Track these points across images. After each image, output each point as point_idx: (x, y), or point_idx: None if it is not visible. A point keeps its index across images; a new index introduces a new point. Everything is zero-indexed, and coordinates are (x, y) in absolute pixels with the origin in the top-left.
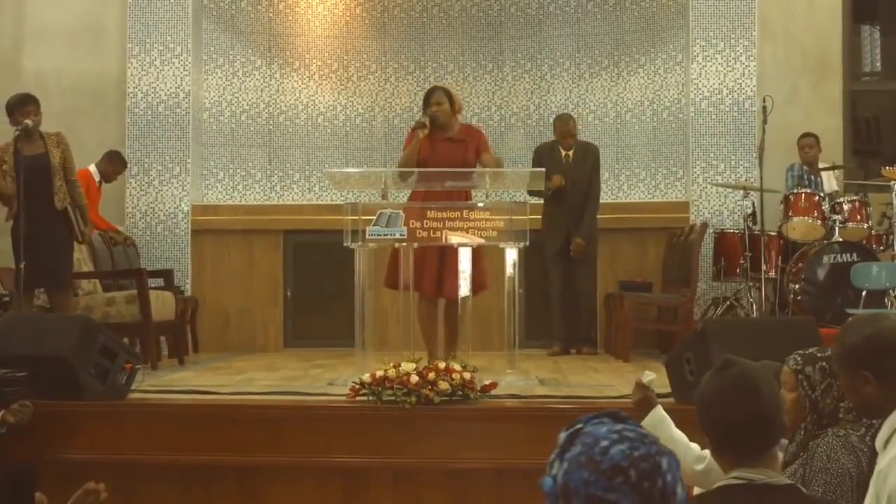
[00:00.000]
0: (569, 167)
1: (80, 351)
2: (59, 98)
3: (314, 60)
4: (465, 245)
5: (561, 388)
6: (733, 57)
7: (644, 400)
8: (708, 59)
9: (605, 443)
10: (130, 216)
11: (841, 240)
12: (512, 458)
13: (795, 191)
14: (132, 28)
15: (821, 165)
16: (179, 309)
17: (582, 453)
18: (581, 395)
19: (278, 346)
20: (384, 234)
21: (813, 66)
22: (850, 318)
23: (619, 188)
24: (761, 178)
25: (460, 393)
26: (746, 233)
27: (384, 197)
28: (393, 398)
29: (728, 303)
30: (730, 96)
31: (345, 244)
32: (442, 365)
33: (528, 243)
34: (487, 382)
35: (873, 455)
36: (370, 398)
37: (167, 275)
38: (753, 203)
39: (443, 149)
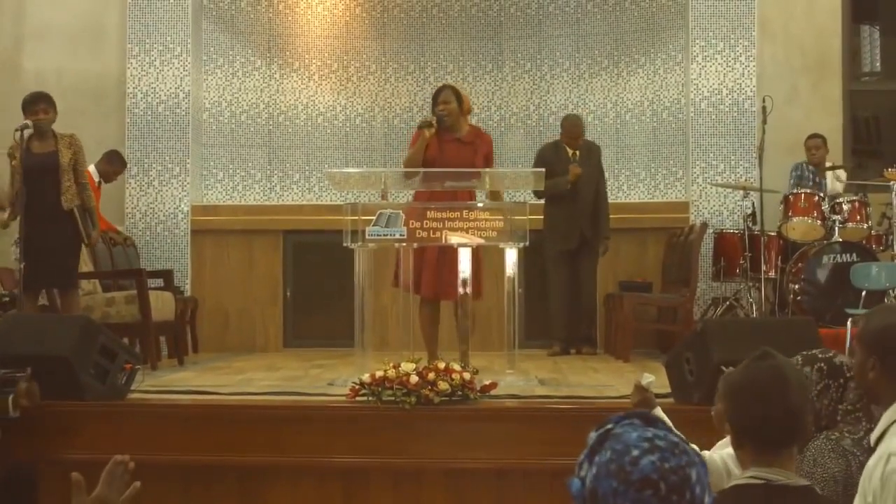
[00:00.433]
0: (576, 164)
1: (80, 351)
2: (59, 98)
3: (314, 61)
4: (464, 245)
5: (561, 388)
6: (733, 57)
7: (643, 401)
8: (708, 59)
9: (635, 452)
10: (130, 216)
11: (841, 240)
12: (512, 459)
13: (795, 191)
14: (132, 28)
15: (826, 166)
16: (179, 309)
17: (612, 461)
18: (581, 396)
19: (278, 346)
20: (384, 235)
21: (813, 66)
22: (884, 303)
23: (618, 188)
24: (761, 178)
25: (460, 393)
26: (746, 233)
27: (384, 197)
28: (393, 398)
29: (728, 303)
30: (729, 96)
31: (344, 244)
32: (442, 365)
33: (527, 243)
34: (487, 383)
35: (865, 461)
36: (370, 398)
37: (167, 275)
38: (753, 203)
39: (451, 150)
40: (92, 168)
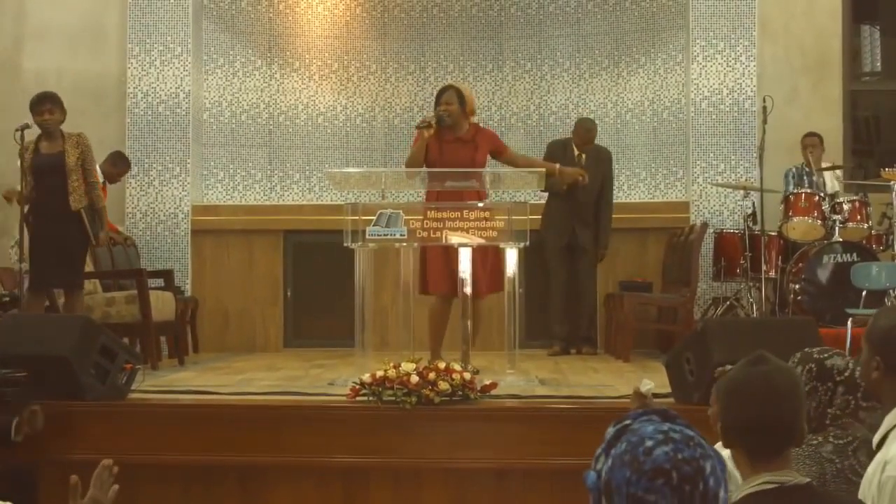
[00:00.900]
0: (581, 167)
1: (81, 351)
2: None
3: (314, 61)
4: (465, 245)
5: (561, 388)
6: (733, 57)
7: (642, 408)
8: (708, 59)
9: (649, 443)
10: (131, 216)
11: (841, 240)
12: (512, 458)
13: (795, 191)
14: (132, 28)
15: (822, 165)
16: (179, 309)
17: (626, 451)
18: (581, 396)
19: (278, 346)
20: (384, 235)
21: (813, 66)
22: (894, 304)
23: (619, 188)
24: (761, 178)
25: (460, 393)
26: (746, 233)
27: (384, 197)
28: (393, 398)
29: (728, 303)
30: (730, 96)
31: (345, 244)
32: (442, 365)
33: (528, 243)
34: (488, 382)
35: (845, 468)
36: (370, 398)
37: (167, 275)
38: (753, 203)
39: (450, 150)
40: (97, 169)
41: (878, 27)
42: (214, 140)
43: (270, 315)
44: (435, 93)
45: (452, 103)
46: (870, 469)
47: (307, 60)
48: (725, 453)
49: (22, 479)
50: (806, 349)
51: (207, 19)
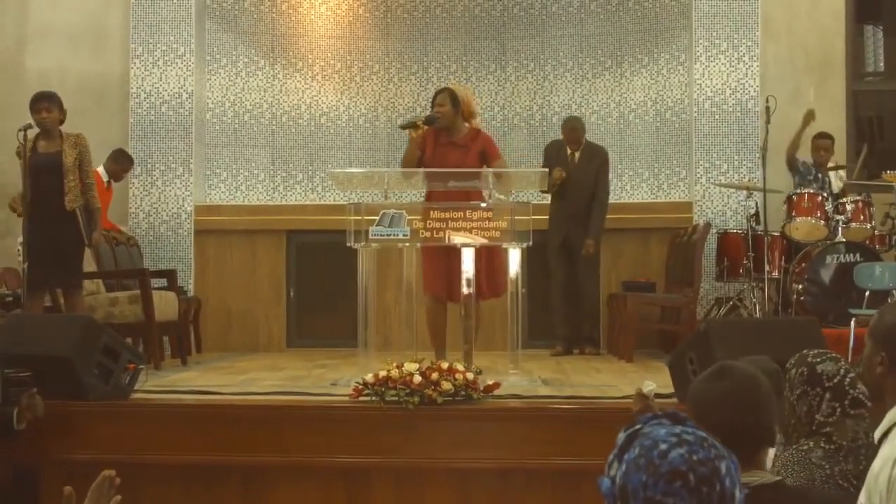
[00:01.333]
0: (573, 167)
1: (83, 351)
2: (62, 98)
3: (317, 61)
4: (468, 245)
5: (564, 388)
6: (736, 57)
7: (645, 409)
8: (711, 59)
9: (664, 446)
10: (134, 216)
11: (844, 240)
12: (515, 459)
13: (799, 191)
14: (135, 28)
15: (828, 166)
16: (182, 309)
17: (641, 456)
18: (584, 396)
19: (281, 346)
20: (387, 234)
21: (816, 66)
22: None
23: (622, 188)
24: (764, 178)
25: (463, 393)
26: (750, 233)
27: (387, 197)
28: (396, 398)
29: (731, 303)
30: (733, 96)
31: (348, 244)
32: (445, 365)
33: (531, 243)
34: (490, 382)
35: (835, 474)
36: (373, 398)
37: (170, 275)
38: (756, 203)
39: (442, 152)
40: (100, 169)
41: (881, 27)
42: (217, 140)
43: (273, 315)
44: None
45: (445, 105)
46: (876, 465)
47: (310, 60)
48: None
49: (25, 479)
50: (803, 351)
51: (210, 19)
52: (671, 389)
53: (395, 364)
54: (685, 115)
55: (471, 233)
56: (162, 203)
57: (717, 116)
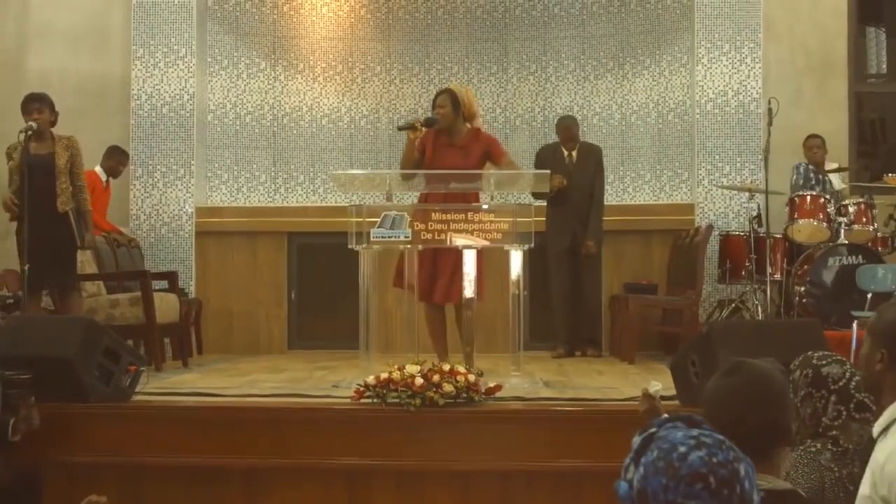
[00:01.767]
0: (572, 168)
1: (84, 353)
2: (63, 99)
3: (318, 62)
4: (469, 247)
5: (565, 390)
6: (738, 59)
7: (650, 410)
8: (713, 60)
9: (682, 448)
10: (135, 218)
11: (846, 242)
12: (516, 461)
13: (801, 193)
14: (136, 29)
15: (827, 167)
16: (183, 311)
17: (659, 458)
18: (586, 398)
19: (282, 348)
20: (389, 236)
21: (818, 68)
22: None
23: (623, 190)
24: (766, 180)
25: (465, 395)
26: (752, 235)
27: (388, 199)
28: (397, 400)
29: (733, 305)
30: (735, 98)
31: (349, 246)
32: (446, 367)
33: (532, 245)
34: (492, 385)
35: (843, 476)
36: (374, 400)
37: (171, 277)
38: (759, 205)
39: (441, 154)
40: (98, 169)
41: (883, 28)
42: (218, 142)
43: (274, 317)
44: None
45: (445, 106)
46: (880, 457)
47: (311, 62)
48: None
49: (26, 482)
50: (808, 353)
51: (212, 21)
52: (673, 392)
53: (396, 366)
54: (687, 117)
55: (472, 234)
56: (163, 205)
57: (719, 118)
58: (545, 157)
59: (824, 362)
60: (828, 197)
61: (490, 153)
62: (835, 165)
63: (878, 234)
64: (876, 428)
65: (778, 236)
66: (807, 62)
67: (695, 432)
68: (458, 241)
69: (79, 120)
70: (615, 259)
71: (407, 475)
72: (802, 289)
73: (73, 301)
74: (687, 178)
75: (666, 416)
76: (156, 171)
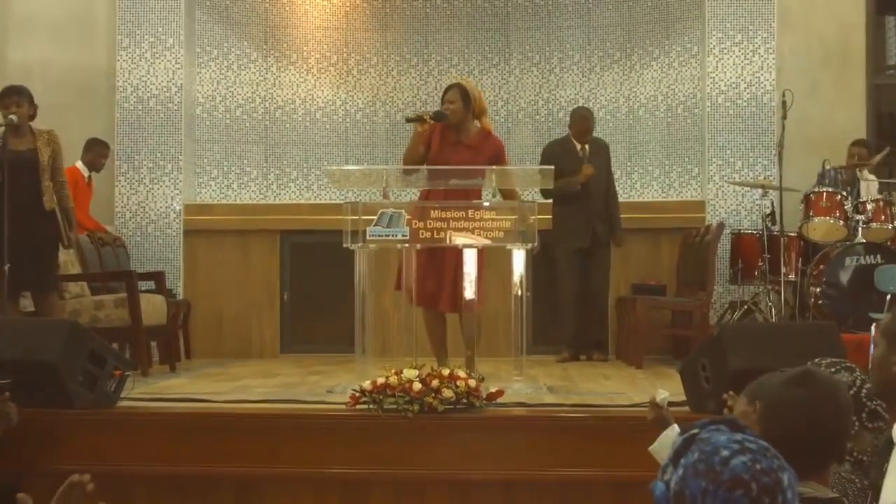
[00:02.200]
0: (587, 162)
1: (68, 357)
2: (45, 92)
3: (312, 53)
4: (470, 246)
5: (570, 396)
6: (751, 49)
7: (658, 419)
8: (725, 51)
9: (725, 452)
10: (120, 216)
11: (864, 241)
12: (519, 470)
13: (817, 189)
14: (122, 19)
15: (863, 177)
16: (171, 313)
17: (700, 461)
18: (592, 404)
19: (275, 351)
20: (385, 235)
21: (834, 59)
22: None
23: (631, 187)
24: (780, 176)
25: (465, 401)
26: (765, 233)
27: (385, 196)
28: (395, 406)
29: (746, 307)
30: (747, 90)
31: (344, 245)
32: (446, 372)
33: (536, 244)
34: (494, 390)
35: (865, 487)
36: (371, 406)
37: (158, 277)
38: (772, 202)
39: (450, 152)
40: (79, 164)
41: None
42: (208, 136)
43: (266, 319)
44: (439, 87)
45: (455, 101)
46: None
47: (305, 53)
48: None
49: (5, 493)
50: (817, 359)
51: (200, 10)
52: (682, 397)
53: (393, 370)
54: (697, 111)
55: (473, 233)
56: (149, 202)
57: (730, 111)
58: (555, 153)
59: (833, 370)
60: (844, 194)
61: (497, 162)
62: (872, 177)
63: None
64: (895, 431)
65: (792, 235)
66: (823, 53)
67: (738, 437)
68: (458, 239)
69: (62, 114)
70: (622, 259)
71: (405, 485)
72: (818, 290)
73: (52, 302)
74: (697, 175)
75: (707, 420)
76: (142, 166)
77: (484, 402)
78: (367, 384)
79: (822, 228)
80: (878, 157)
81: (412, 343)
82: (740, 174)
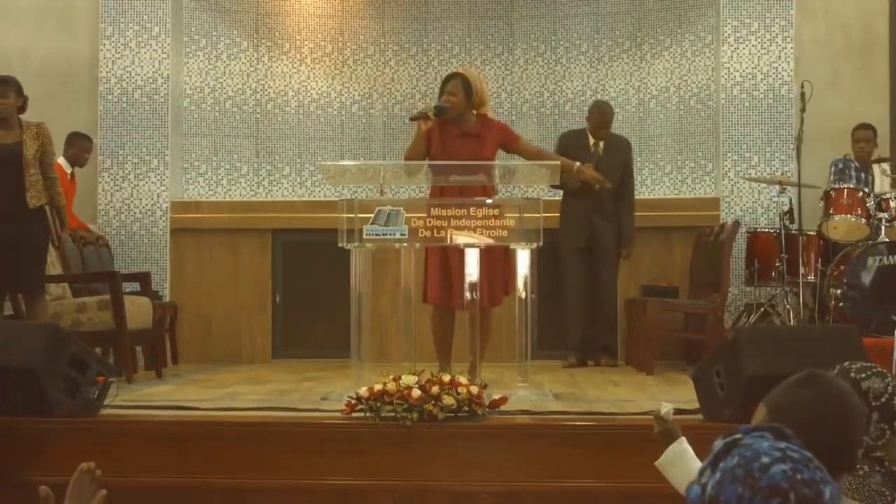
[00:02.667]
0: (598, 158)
1: (48, 362)
2: (24, 82)
3: (306, 42)
4: (471, 245)
5: (578, 403)
6: (768, 38)
7: (665, 432)
8: (740, 40)
9: (766, 459)
10: (103, 213)
11: (887, 240)
12: (524, 481)
13: (837, 186)
14: (105, 6)
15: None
16: (157, 316)
17: (739, 466)
18: (600, 412)
19: (266, 356)
20: (383, 234)
21: (857, 48)
22: None
23: (642, 183)
24: (799, 171)
25: (467, 409)
26: (783, 232)
27: (383, 192)
28: (393, 414)
29: (762, 309)
30: (764, 81)
31: (340, 244)
32: (447, 378)
33: (541, 243)
34: (497, 397)
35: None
36: (367, 414)
37: (143, 278)
38: (790, 199)
39: (453, 145)
40: (62, 160)
41: None
42: (196, 130)
43: (257, 322)
44: (438, 78)
45: (457, 93)
46: None
47: (298, 42)
48: None
49: None
50: (844, 364)
51: None
52: (696, 405)
53: (391, 376)
54: (712, 103)
55: (475, 232)
56: (134, 199)
57: (746, 103)
58: (567, 145)
59: (863, 375)
60: (866, 191)
61: (505, 141)
62: (886, 167)
63: None
64: None
65: (811, 234)
66: (845, 42)
67: (782, 444)
68: (459, 238)
69: (42, 106)
70: (632, 259)
71: (403, 496)
72: (839, 291)
73: (40, 306)
74: (711, 170)
75: (750, 426)
76: (126, 161)
77: (486, 409)
78: (363, 391)
79: (843, 227)
80: None
81: (411, 347)
82: (756, 170)
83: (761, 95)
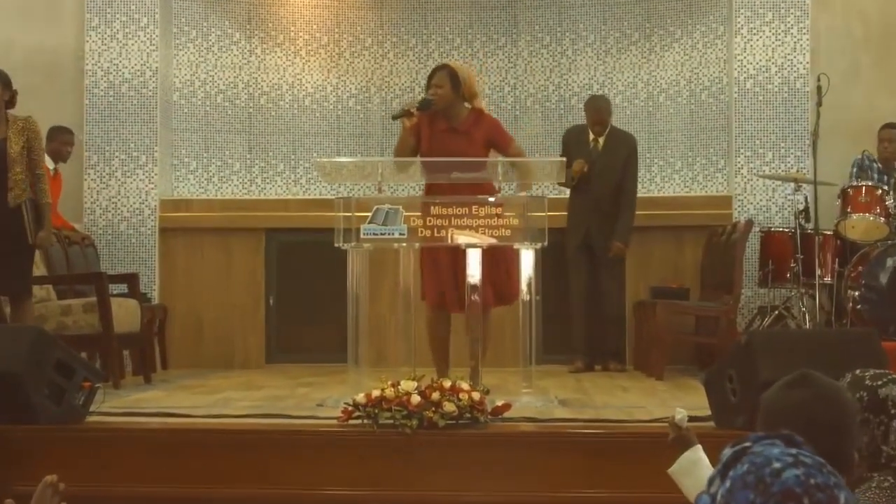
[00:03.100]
0: (596, 154)
1: (32, 367)
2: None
3: (300, 33)
4: (473, 245)
5: (584, 409)
6: (783, 29)
7: (679, 439)
8: (754, 31)
9: (777, 464)
10: (89, 212)
11: None
12: (528, 491)
13: (855, 183)
14: None
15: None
16: (146, 319)
17: (750, 472)
18: (608, 419)
19: (259, 361)
20: (381, 233)
21: (876, 39)
22: None
23: (651, 180)
24: (815, 168)
25: (468, 415)
26: (798, 231)
27: (380, 190)
28: (391, 421)
29: (777, 312)
30: (779, 74)
31: (336, 244)
32: (447, 383)
33: (546, 243)
34: (500, 403)
35: None
36: (365, 421)
37: (131, 279)
38: (806, 198)
39: (441, 141)
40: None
41: None
42: (185, 125)
43: (250, 326)
44: None
45: (443, 86)
46: None
47: (292, 33)
48: None
49: None
50: (858, 371)
51: None
52: (707, 411)
53: (390, 382)
54: (724, 97)
55: (477, 231)
56: (122, 197)
57: (760, 97)
58: (570, 141)
59: (880, 382)
60: (886, 188)
61: (495, 141)
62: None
63: None
64: None
65: (828, 233)
66: (864, 33)
67: (793, 451)
68: (461, 238)
69: (26, 100)
70: (641, 259)
71: None
72: (856, 293)
73: (27, 309)
74: (723, 167)
75: (759, 433)
76: (113, 158)
77: (489, 416)
78: (360, 397)
79: (861, 226)
80: None
81: (410, 352)
82: (770, 167)
83: (776, 89)
